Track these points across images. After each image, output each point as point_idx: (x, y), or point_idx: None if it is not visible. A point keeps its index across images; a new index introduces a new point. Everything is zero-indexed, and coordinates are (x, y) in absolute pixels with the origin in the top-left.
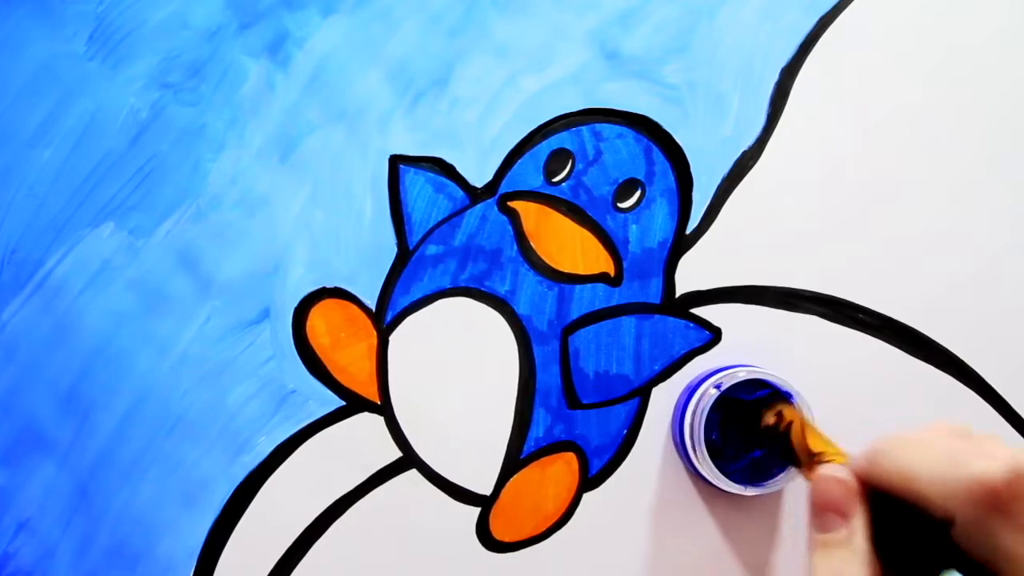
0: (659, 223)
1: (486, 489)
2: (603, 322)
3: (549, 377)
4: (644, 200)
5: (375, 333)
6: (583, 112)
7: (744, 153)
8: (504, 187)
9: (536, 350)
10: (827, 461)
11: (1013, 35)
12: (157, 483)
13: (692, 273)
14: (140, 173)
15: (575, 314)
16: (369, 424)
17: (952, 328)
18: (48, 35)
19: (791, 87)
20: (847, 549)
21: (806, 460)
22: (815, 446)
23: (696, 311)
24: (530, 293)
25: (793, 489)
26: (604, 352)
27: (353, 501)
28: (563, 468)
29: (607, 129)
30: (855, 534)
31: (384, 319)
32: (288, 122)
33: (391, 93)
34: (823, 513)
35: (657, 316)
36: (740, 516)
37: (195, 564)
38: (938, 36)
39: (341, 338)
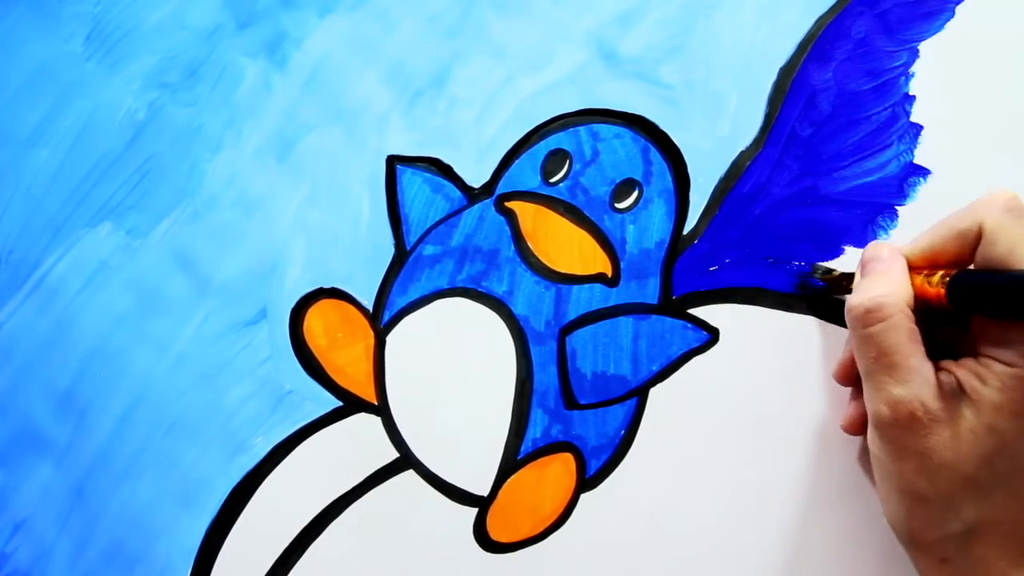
0: (656, 223)
1: (483, 490)
2: (600, 322)
3: (546, 377)
4: (641, 200)
5: (372, 334)
6: (580, 112)
7: (741, 153)
8: (501, 187)
9: (533, 350)
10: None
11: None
12: (154, 483)
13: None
14: (137, 173)
15: (572, 314)
16: (366, 425)
17: None
18: (45, 35)
19: (788, 87)
20: (885, 276)
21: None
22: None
23: (694, 311)
24: (527, 293)
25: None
26: (601, 352)
27: (350, 502)
28: (560, 469)
29: (604, 129)
30: (892, 267)
31: (381, 320)
32: (285, 122)
33: (388, 93)
34: (867, 263)
35: (655, 316)
36: (739, 516)
37: (192, 564)
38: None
39: (338, 339)
